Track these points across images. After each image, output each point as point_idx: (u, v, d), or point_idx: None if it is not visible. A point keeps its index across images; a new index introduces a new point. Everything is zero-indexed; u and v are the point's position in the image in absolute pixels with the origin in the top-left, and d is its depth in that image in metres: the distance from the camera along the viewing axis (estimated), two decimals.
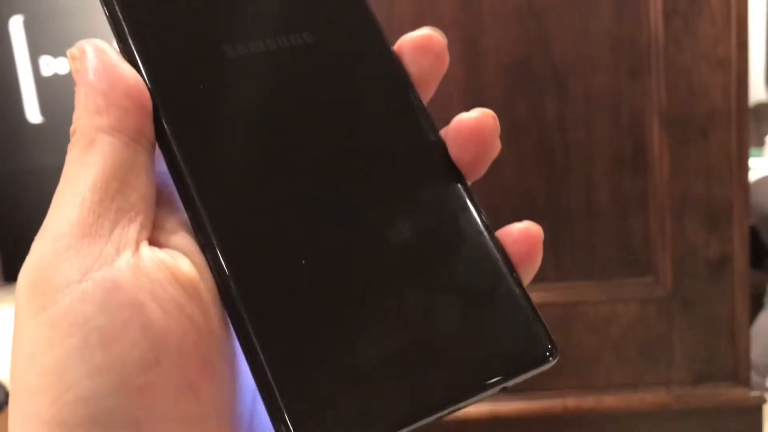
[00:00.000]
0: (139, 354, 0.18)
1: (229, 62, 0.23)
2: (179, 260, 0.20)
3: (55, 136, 5.40)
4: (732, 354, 0.74)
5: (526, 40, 0.71)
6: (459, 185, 0.24)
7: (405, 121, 0.25)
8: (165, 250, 0.20)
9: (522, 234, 0.24)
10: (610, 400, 0.74)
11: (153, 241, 0.21)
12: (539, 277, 0.76)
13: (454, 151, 0.24)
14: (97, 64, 0.21)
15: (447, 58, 0.26)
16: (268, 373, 0.19)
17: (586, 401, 0.74)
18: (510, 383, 0.21)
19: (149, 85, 0.22)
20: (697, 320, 0.74)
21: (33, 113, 4.78)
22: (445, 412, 0.20)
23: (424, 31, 0.25)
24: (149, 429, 0.18)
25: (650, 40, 0.70)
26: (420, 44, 0.25)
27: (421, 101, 0.25)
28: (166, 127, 0.21)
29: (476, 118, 0.24)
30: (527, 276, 0.24)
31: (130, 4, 0.23)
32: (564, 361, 0.74)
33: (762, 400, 0.75)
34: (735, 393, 0.74)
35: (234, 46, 0.24)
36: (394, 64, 0.25)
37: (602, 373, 0.75)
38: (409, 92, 0.25)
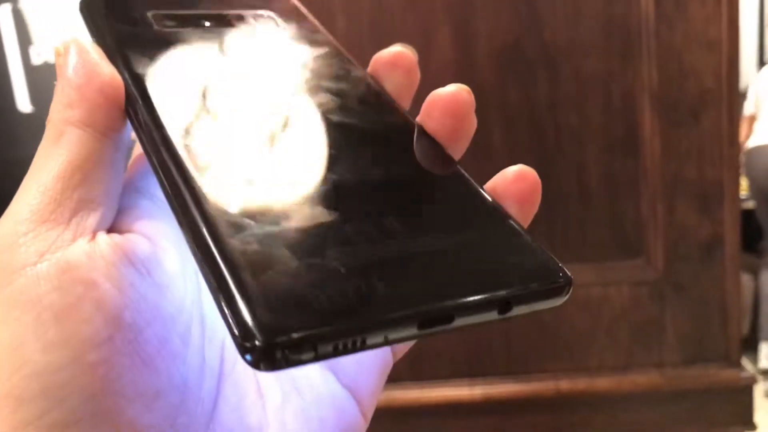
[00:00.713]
0: (93, 330, 0.19)
1: (199, 60, 0.25)
2: (138, 242, 0.21)
3: (45, 124, 5.38)
4: (723, 335, 0.75)
5: (518, 23, 0.71)
6: (440, 150, 0.24)
7: (381, 110, 0.26)
8: (125, 234, 0.21)
9: (518, 174, 0.24)
10: (602, 382, 0.75)
11: (116, 228, 0.21)
12: None
13: (431, 125, 0.25)
14: (77, 60, 0.22)
15: (418, 73, 0.26)
16: (227, 276, 0.17)
17: (579, 383, 0.75)
18: (518, 309, 0.19)
19: (127, 81, 0.23)
20: (688, 302, 0.74)
21: (23, 102, 4.75)
22: (434, 318, 0.18)
23: (396, 49, 0.26)
24: (105, 404, 0.18)
25: (641, 22, 0.70)
26: (392, 61, 0.26)
27: (391, 97, 0.26)
28: (142, 115, 0.22)
29: (451, 92, 0.24)
30: (526, 218, 0.23)
31: (106, 12, 0.25)
32: (556, 344, 0.75)
33: (752, 381, 0.75)
34: (726, 374, 0.74)
35: (205, 45, 0.26)
36: (363, 75, 0.27)
37: (595, 356, 0.75)
38: (381, 91, 0.26)
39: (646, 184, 0.72)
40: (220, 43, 0.26)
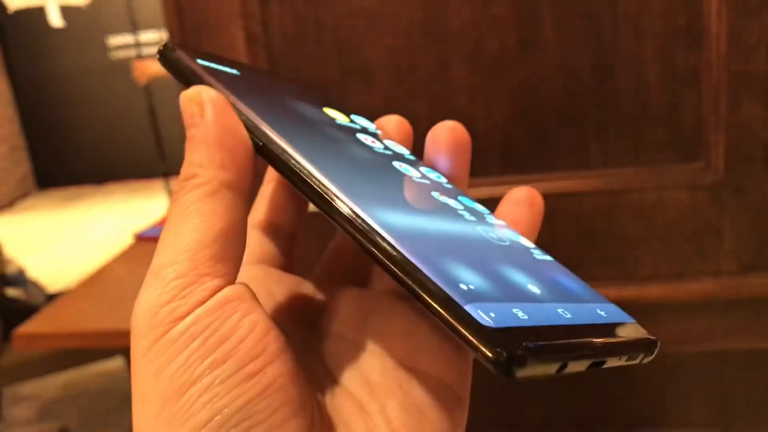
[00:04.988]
0: (250, 345, 0.23)
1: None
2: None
3: (76, 40, 5.35)
4: None
5: None
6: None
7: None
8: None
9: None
10: (653, 290, 0.72)
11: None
12: (583, 164, 0.71)
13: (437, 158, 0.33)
14: (225, 122, 0.26)
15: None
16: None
17: (629, 292, 0.72)
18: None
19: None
20: (749, 207, 0.69)
21: (55, 17, 4.73)
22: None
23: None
24: (259, 407, 0.22)
25: None
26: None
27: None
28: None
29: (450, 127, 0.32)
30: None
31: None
32: (606, 251, 0.71)
33: None
34: None
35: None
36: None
37: (647, 263, 0.72)
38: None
39: (709, 80, 0.67)
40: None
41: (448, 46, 0.67)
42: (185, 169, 0.25)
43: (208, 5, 0.68)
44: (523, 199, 0.31)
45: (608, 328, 0.25)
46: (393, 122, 0.35)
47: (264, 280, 0.31)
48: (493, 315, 0.20)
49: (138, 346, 0.22)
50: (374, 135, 0.34)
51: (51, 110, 5.65)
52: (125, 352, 2.48)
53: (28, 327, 1.77)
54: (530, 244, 0.29)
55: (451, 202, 0.30)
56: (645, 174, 0.70)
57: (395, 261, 0.22)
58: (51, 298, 2.41)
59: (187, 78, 0.28)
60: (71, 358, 2.34)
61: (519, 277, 0.24)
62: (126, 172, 5.63)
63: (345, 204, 0.24)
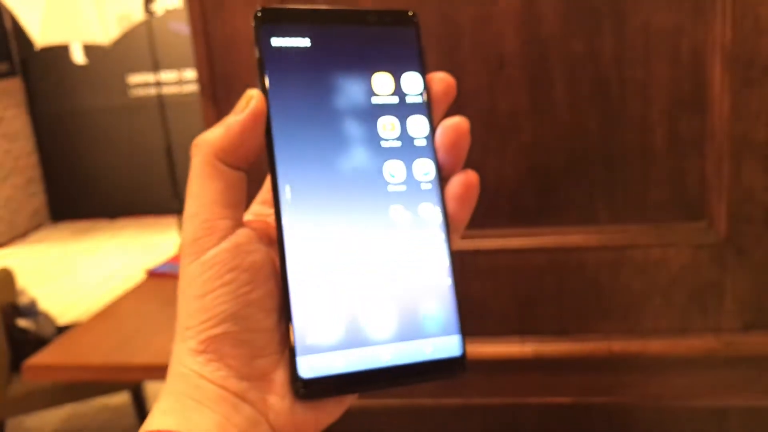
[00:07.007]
0: (250, 275, 0.34)
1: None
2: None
3: (97, 77, 5.47)
4: None
5: None
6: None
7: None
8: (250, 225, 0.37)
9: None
10: (656, 345, 0.74)
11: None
12: (589, 220, 0.74)
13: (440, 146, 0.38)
14: (251, 130, 0.35)
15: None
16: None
17: (632, 345, 0.74)
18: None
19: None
20: (750, 267, 0.72)
21: (78, 54, 4.85)
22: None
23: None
24: (248, 311, 0.34)
25: None
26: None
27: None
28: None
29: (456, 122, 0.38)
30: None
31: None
32: (610, 305, 0.74)
33: None
34: None
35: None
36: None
37: (650, 318, 0.74)
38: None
39: (713, 145, 0.70)
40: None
41: (462, 104, 0.71)
42: (209, 132, 0.35)
43: (239, 54, 0.73)
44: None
45: (413, 367, 0.34)
46: (435, 80, 0.39)
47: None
48: (309, 367, 0.33)
49: (185, 261, 0.34)
50: (406, 110, 0.37)
51: (69, 144, 5.74)
52: (132, 387, 2.49)
53: (39, 358, 1.79)
54: (444, 264, 0.35)
55: (407, 220, 0.36)
56: (649, 231, 0.72)
57: (286, 306, 0.34)
58: (60, 330, 2.43)
59: (258, 60, 0.35)
60: (77, 391, 2.35)
61: (379, 320, 0.34)
62: (139, 207, 5.69)
63: (283, 246, 0.34)
